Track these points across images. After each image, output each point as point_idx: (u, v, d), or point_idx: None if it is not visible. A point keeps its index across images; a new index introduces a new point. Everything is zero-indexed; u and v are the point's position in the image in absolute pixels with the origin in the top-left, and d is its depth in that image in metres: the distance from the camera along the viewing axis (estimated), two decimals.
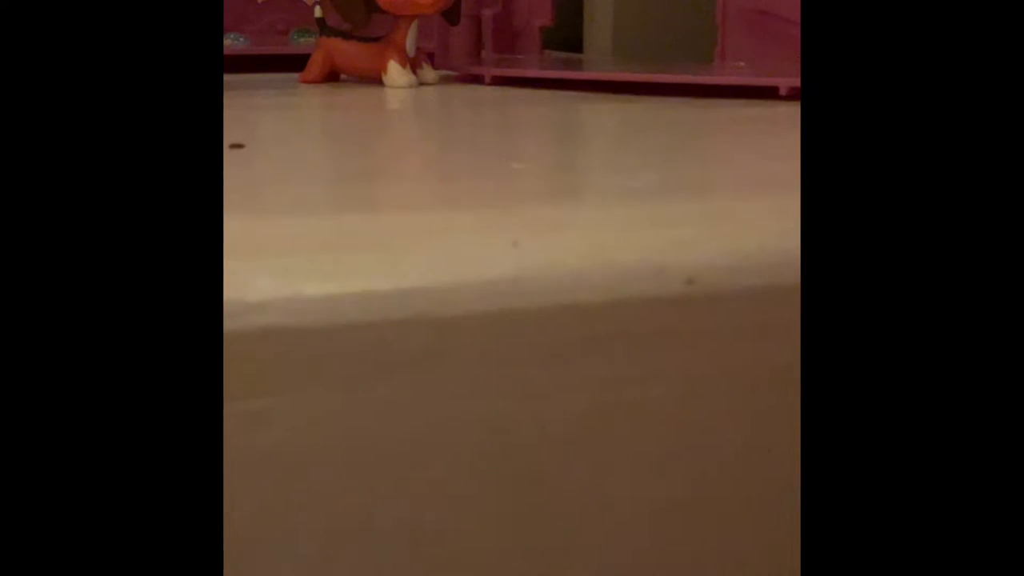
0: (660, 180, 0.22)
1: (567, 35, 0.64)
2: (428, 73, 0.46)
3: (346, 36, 0.46)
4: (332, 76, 0.47)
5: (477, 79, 0.47)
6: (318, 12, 0.47)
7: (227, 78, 0.50)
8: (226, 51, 0.56)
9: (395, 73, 0.44)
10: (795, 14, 0.43)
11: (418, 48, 0.45)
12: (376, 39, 0.45)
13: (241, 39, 0.58)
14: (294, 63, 0.50)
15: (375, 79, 0.45)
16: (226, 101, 0.40)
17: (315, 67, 0.47)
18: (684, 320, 0.17)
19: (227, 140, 0.27)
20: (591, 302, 0.16)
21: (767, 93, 0.37)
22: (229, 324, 0.15)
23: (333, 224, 0.18)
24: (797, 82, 0.36)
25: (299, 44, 0.58)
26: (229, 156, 0.25)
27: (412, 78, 0.44)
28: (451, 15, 0.45)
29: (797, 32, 0.43)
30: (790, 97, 0.37)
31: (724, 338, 0.17)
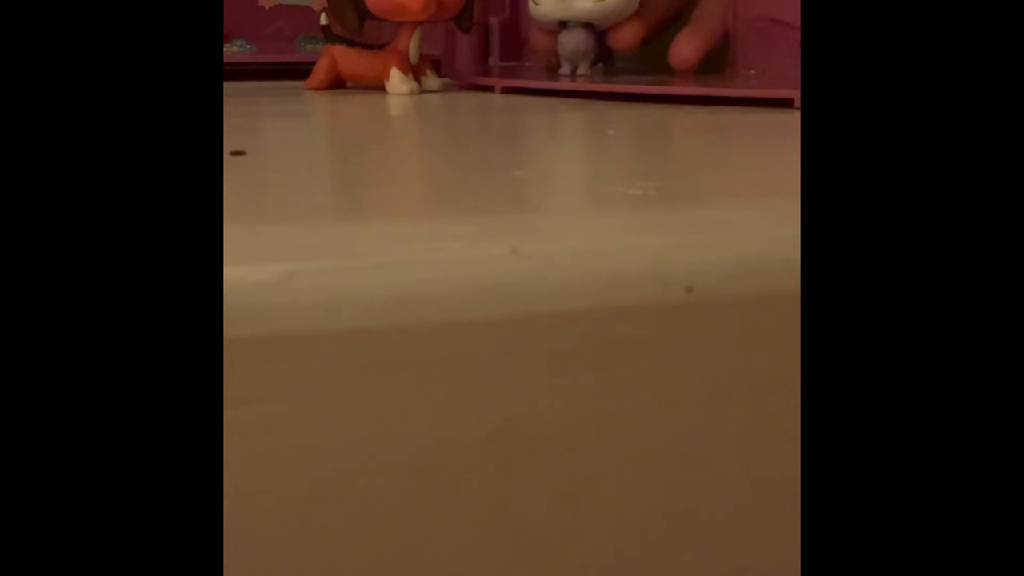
0: (661, 187, 0.22)
1: None
2: (432, 80, 0.46)
3: (351, 43, 0.46)
4: (338, 83, 0.48)
5: (483, 88, 0.47)
6: (324, 19, 0.47)
7: (233, 85, 0.50)
8: (233, 58, 0.56)
9: (397, 80, 0.44)
10: None
11: (423, 55, 0.45)
12: (380, 46, 0.45)
13: (248, 46, 0.58)
14: (301, 70, 0.50)
15: (380, 86, 0.45)
16: (231, 108, 0.40)
17: (320, 74, 0.47)
18: (684, 328, 0.17)
19: (231, 147, 0.27)
20: (590, 309, 0.16)
21: (780, 103, 0.37)
22: (229, 331, 0.15)
23: (333, 231, 0.18)
24: None
25: (306, 51, 0.58)
26: (230, 163, 0.25)
27: (414, 85, 0.44)
28: (463, 22, 0.45)
29: None
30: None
31: (724, 346, 0.17)
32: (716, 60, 0.47)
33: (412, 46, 0.44)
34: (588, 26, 0.45)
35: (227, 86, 0.49)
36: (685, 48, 0.44)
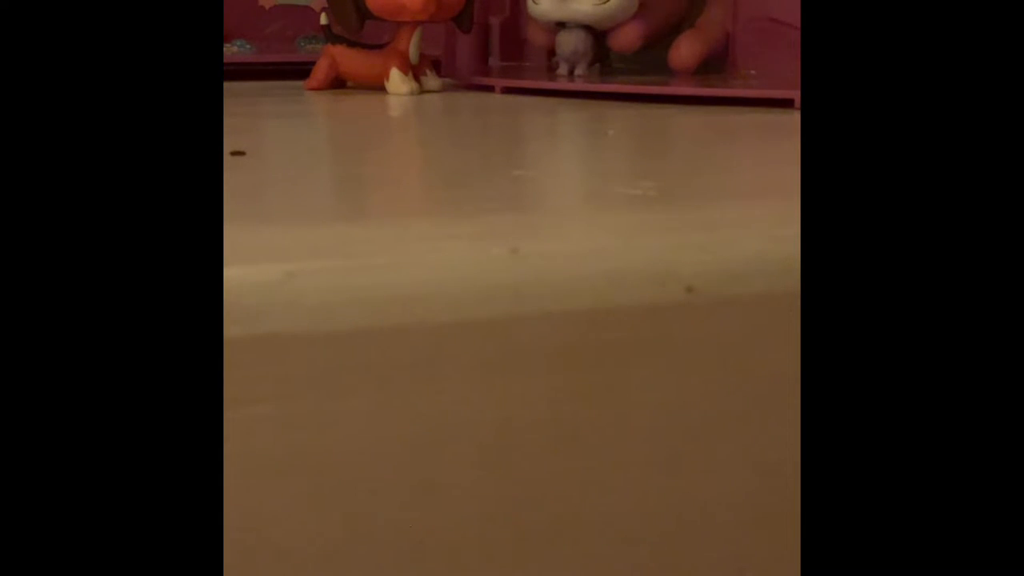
0: (661, 187, 0.22)
1: None
2: (432, 80, 0.46)
3: (351, 43, 0.46)
4: (338, 83, 0.48)
5: (483, 88, 0.47)
6: (324, 19, 0.47)
7: (233, 85, 0.50)
8: (232, 58, 0.56)
9: (397, 80, 0.44)
10: None
11: (423, 55, 0.45)
12: (380, 46, 0.45)
13: (248, 46, 0.58)
14: (301, 70, 0.50)
15: (380, 86, 0.45)
16: (231, 108, 0.40)
17: (320, 74, 0.47)
18: (684, 328, 0.17)
19: (231, 147, 0.27)
20: (590, 309, 0.16)
21: (780, 103, 0.37)
22: (229, 331, 0.15)
23: (333, 231, 0.18)
24: None
25: (306, 51, 0.58)
26: (230, 163, 0.25)
27: (414, 85, 0.44)
28: (463, 22, 0.45)
29: None
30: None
31: (724, 346, 0.17)
32: (716, 60, 0.47)
33: (412, 46, 0.44)
34: (587, 27, 0.45)
35: (227, 86, 0.49)
36: (685, 52, 0.45)
